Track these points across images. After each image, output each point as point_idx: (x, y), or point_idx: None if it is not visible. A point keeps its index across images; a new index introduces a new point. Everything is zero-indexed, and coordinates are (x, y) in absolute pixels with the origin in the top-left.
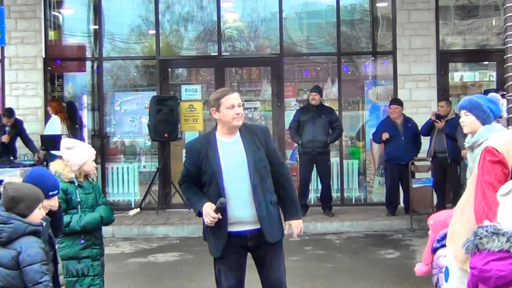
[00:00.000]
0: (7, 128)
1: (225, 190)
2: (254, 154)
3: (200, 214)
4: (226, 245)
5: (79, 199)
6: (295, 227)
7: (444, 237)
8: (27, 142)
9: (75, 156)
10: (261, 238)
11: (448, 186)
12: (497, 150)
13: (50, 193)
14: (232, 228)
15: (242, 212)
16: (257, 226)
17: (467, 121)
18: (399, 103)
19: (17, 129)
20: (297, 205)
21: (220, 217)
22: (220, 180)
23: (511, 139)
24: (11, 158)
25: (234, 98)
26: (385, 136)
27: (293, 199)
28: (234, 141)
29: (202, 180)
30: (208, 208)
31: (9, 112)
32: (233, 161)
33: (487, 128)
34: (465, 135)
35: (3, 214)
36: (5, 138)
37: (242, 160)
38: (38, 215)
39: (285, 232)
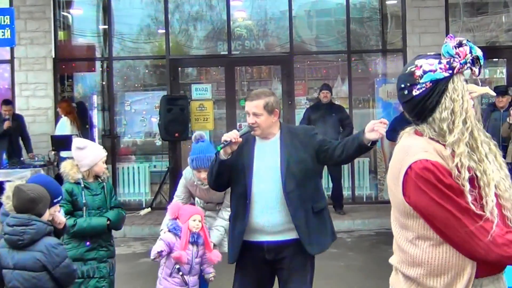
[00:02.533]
0: (7, 117)
1: (252, 189)
2: (290, 157)
3: (222, 162)
4: (245, 255)
5: (84, 201)
6: (371, 125)
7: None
8: (25, 139)
9: (86, 156)
10: (281, 252)
11: None
12: (432, 163)
13: (55, 200)
14: (250, 237)
15: (263, 219)
16: (278, 238)
17: None
18: None
19: (18, 122)
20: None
21: (240, 140)
22: (248, 179)
23: (427, 142)
24: (22, 159)
25: (248, 105)
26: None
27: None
28: (272, 143)
29: (231, 176)
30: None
31: (5, 101)
32: (266, 162)
33: None
34: None
35: (23, 216)
36: (7, 124)
37: (275, 163)
38: (48, 215)
39: (369, 136)
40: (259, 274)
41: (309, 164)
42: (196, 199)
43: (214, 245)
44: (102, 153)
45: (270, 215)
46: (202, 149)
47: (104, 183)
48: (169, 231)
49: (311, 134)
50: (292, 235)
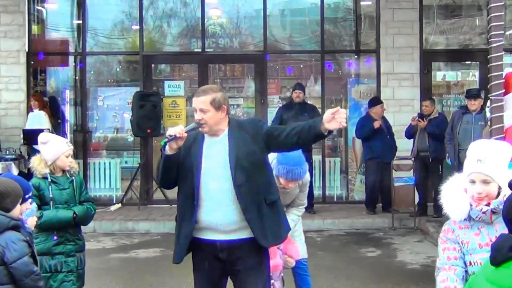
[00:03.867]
0: None
1: (199, 188)
2: (238, 150)
3: (167, 157)
4: (199, 253)
5: (51, 195)
6: (329, 115)
7: None
8: None
9: (48, 151)
10: (235, 252)
11: (430, 185)
12: None
13: (26, 196)
14: (202, 235)
15: (213, 216)
16: (231, 237)
17: None
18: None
19: None
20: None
21: (185, 135)
22: (196, 176)
23: None
24: None
25: (195, 102)
26: (378, 123)
27: (305, 122)
28: (221, 140)
29: (179, 175)
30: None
31: None
32: (215, 159)
33: None
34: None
35: None
36: None
37: (225, 159)
38: (18, 211)
39: (329, 127)
40: (213, 273)
41: (259, 155)
42: None
43: None
44: (64, 148)
45: (222, 213)
46: (297, 160)
47: (73, 178)
48: None
49: (259, 125)
50: (246, 233)
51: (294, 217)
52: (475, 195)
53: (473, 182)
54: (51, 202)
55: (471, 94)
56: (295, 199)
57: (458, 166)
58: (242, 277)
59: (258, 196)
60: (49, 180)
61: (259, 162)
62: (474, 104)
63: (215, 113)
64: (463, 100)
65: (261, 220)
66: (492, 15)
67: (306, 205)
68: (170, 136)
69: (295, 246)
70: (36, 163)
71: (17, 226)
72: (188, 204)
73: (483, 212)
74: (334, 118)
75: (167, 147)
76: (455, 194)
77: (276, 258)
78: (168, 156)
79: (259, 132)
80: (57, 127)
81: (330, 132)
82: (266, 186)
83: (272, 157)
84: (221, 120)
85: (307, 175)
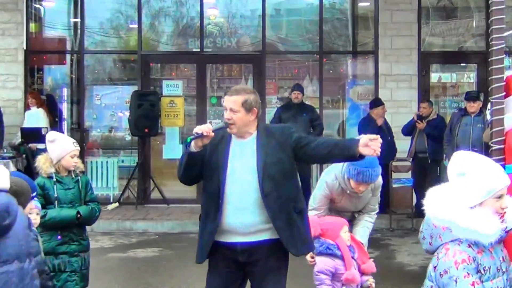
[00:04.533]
0: None
1: (224, 189)
2: (267, 158)
3: (192, 154)
4: (217, 256)
5: (56, 195)
6: (366, 140)
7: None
8: None
9: (54, 150)
10: (254, 254)
11: (428, 187)
12: None
13: (33, 195)
14: (221, 238)
15: (235, 220)
16: (251, 239)
17: None
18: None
19: None
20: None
21: (212, 134)
22: (222, 178)
23: None
24: None
25: (227, 100)
26: (381, 121)
27: (339, 139)
28: (248, 143)
29: (202, 173)
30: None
31: None
32: (242, 162)
33: None
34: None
35: None
36: None
37: (252, 165)
38: (28, 209)
39: (362, 151)
40: (231, 276)
41: (287, 164)
42: None
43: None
44: (69, 148)
45: (243, 216)
46: (370, 161)
47: (79, 178)
48: (320, 254)
49: (288, 133)
50: (265, 235)
51: (369, 225)
52: (500, 210)
53: (499, 197)
54: (56, 202)
55: (470, 96)
56: (367, 204)
57: None
58: (260, 279)
59: (286, 204)
60: (54, 179)
61: (286, 170)
62: (473, 106)
63: (245, 114)
64: (460, 102)
65: (291, 228)
66: (494, 18)
67: (377, 211)
68: (197, 133)
69: (371, 261)
70: (42, 162)
71: (30, 224)
72: (213, 203)
73: (507, 232)
74: (368, 145)
75: (192, 143)
76: (489, 213)
77: (351, 270)
78: (192, 153)
79: (287, 139)
80: (54, 125)
81: (362, 156)
82: (294, 194)
83: None
84: (250, 122)
85: (380, 179)
